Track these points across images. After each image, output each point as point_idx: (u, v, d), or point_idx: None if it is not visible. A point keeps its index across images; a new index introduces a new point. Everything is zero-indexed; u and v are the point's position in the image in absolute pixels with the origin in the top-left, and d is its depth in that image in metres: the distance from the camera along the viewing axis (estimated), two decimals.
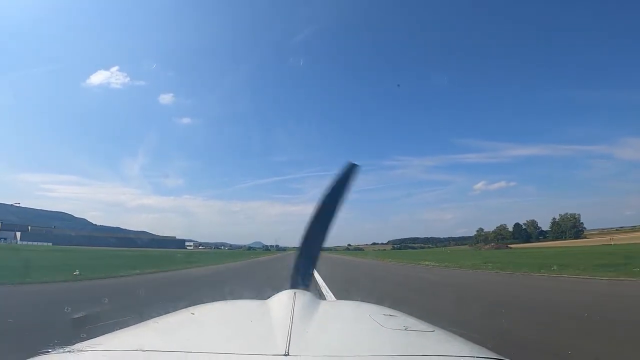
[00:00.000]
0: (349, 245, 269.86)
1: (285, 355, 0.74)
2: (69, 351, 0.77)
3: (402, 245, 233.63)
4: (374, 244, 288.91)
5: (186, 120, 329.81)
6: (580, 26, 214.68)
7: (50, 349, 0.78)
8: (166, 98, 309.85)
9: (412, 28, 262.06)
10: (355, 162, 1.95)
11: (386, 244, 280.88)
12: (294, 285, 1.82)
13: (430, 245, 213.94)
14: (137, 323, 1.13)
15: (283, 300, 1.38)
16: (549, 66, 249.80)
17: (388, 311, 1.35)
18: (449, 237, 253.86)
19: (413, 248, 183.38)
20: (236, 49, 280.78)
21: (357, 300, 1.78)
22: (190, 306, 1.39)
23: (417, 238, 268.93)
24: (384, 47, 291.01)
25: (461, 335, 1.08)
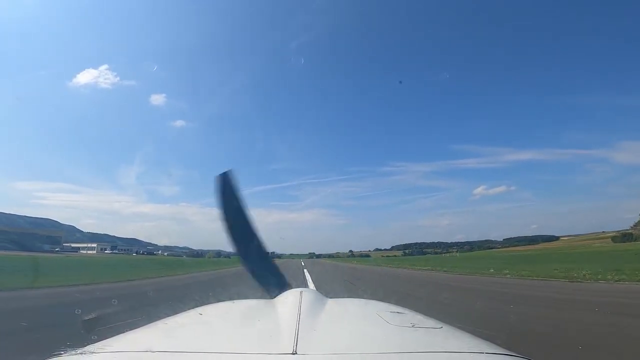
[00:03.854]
0: (351, 251, 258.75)
1: (293, 354, 0.74)
2: (81, 353, 0.78)
3: (412, 250, 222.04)
4: (376, 249, 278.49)
5: (180, 124, 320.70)
6: (578, 32, 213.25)
7: (62, 351, 0.79)
8: (158, 99, 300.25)
9: (411, 36, 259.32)
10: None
11: (390, 249, 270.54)
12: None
13: (439, 251, 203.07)
14: (146, 324, 1.14)
15: (289, 299, 1.38)
16: (548, 71, 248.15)
17: (395, 308, 1.34)
18: (455, 242, 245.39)
19: (425, 253, 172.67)
20: (232, 54, 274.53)
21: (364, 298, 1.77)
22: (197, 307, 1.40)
23: (423, 243, 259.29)
24: (382, 54, 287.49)
25: (469, 331, 1.05)
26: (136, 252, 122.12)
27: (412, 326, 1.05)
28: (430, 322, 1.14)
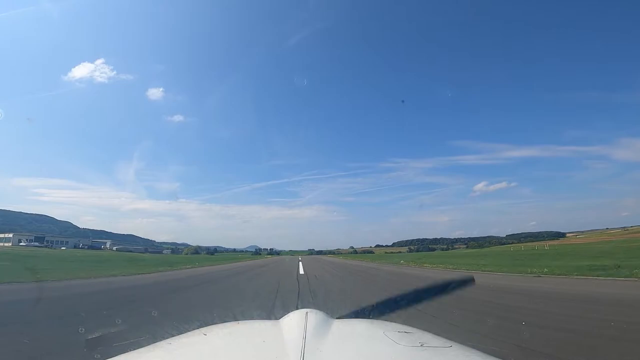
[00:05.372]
0: (353, 248, 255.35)
1: None
2: None
3: (418, 246, 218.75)
4: (377, 246, 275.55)
5: (179, 118, 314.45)
6: (576, 28, 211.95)
7: None
8: (156, 93, 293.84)
9: (410, 32, 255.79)
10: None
11: (391, 245, 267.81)
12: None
13: (445, 247, 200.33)
14: (150, 344, 1.13)
15: (295, 320, 1.36)
16: (546, 68, 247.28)
17: (403, 328, 1.32)
18: (458, 238, 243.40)
19: (432, 249, 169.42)
20: (232, 48, 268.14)
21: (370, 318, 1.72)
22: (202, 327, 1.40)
23: (426, 239, 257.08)
24: (381, 50, 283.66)
25: (480, 349, 1.03)
26: (75, 246, 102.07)
27: (421, 345, 1.03)
28: (440, 341, 1.11)
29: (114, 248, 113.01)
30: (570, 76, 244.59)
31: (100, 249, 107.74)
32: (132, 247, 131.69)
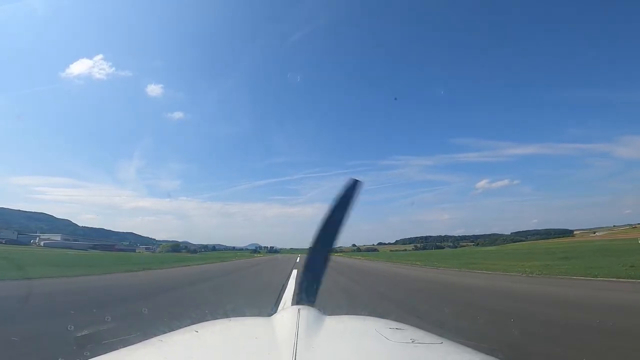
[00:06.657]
0: (355, 246, 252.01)
1: None
2: None
3: (425, 244, 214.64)
4: (380, 244, 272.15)
5: (179, 115, 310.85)
6: (578, 26, 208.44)
7: None
8: (156, 89, 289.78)
9: (411, 29, 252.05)
10: (358, 179, 2.00)
11: (394, 243, 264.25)
12: (299, 302, 1.79)
13: (450, 244, 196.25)
14: (140, 341, 1.12)
15: (287, 317, 1.37)
16: (548, 66, 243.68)
17: (394, 324, 1.33)
18: (462, 236, 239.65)
19: (441, 247, 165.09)
20: (233, 45, 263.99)
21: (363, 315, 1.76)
22: (193, 324, 1.38)
23: (429, 236, 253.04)
24: (382, 47, 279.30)
25: (470, 346, 1.04)
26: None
27: (412, 342, 1.03)
28: (431, 338, 1.12)
29: (42, 243, 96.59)
30: (571, 74, 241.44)
31: (28, 244, 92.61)
32: (73, 242, 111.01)
